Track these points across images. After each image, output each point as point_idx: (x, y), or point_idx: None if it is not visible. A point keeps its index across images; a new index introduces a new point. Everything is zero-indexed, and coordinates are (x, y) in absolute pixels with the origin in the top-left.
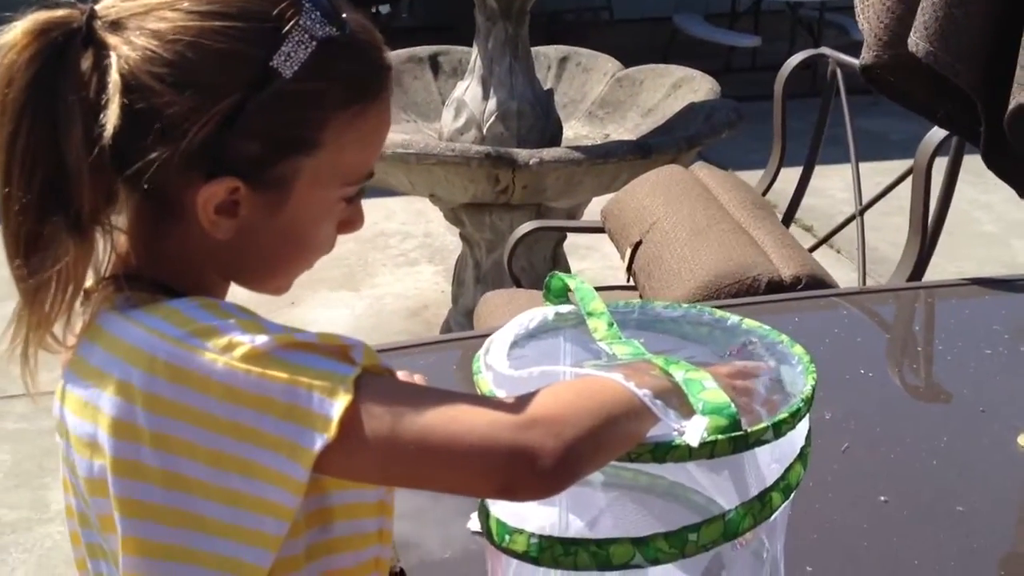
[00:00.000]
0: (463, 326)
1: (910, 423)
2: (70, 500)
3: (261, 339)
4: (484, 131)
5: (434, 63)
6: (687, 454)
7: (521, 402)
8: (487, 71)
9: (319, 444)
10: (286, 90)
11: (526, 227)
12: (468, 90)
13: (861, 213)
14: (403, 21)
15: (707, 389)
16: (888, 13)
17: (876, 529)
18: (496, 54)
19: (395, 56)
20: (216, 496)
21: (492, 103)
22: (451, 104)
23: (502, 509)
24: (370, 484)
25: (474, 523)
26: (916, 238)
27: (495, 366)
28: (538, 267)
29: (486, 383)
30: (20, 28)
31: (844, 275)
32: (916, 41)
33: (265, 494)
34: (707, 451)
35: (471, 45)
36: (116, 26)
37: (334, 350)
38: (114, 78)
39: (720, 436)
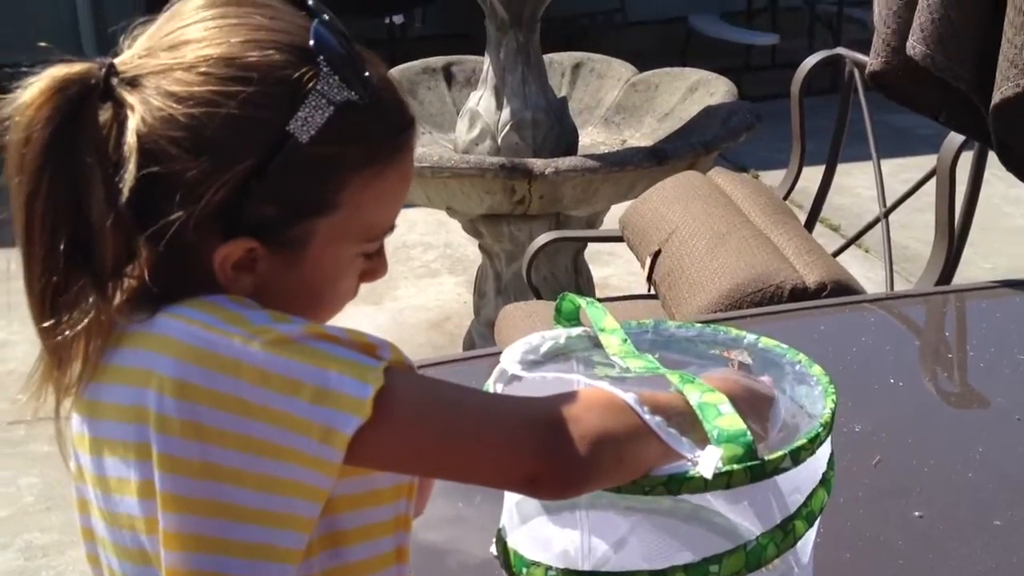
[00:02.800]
0: (485, 337)
1: (943, 434)
2: (97, 530)
3: (290, 327)
4: (499, 141)
5: (447, 73)
6: (702, 485)
7: (552, 401)
8: (500, 81)
9: (353, 426)
10: (302, 154)
11: (543, 239)
12: (482, 100)
13: (886, 215)
14: (417, 30)
15: (723, 415)
16: (894, 18)
17: (911, 546)
18: (508, 63)
19: (408, 67)
20: (248, 482)
21: (506, 113)
22: (465, 114)
23: (523, 536)
24: (396, 471)
25: (494, 547)
26: (943, 241)
27: (510, 371)
28: (560, 276)
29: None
30: (38, 86)
31: (873, 274)
32: (914, 44)
33: (297, 476)
34: (723, 482)
35: (484, 54)
36: (134, 84)
37: (361, 345)
38: (130, 140)
39: (736, 466)
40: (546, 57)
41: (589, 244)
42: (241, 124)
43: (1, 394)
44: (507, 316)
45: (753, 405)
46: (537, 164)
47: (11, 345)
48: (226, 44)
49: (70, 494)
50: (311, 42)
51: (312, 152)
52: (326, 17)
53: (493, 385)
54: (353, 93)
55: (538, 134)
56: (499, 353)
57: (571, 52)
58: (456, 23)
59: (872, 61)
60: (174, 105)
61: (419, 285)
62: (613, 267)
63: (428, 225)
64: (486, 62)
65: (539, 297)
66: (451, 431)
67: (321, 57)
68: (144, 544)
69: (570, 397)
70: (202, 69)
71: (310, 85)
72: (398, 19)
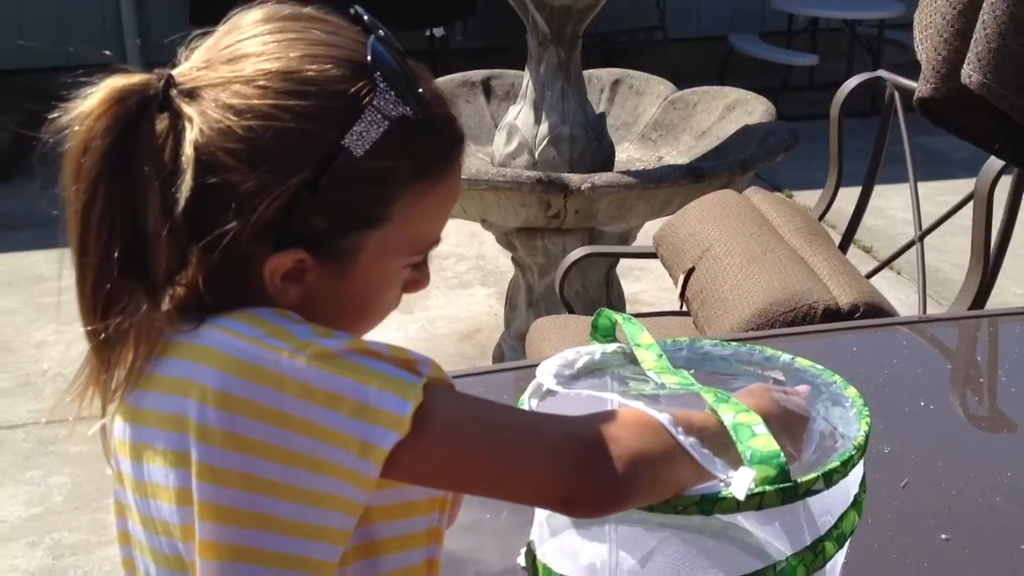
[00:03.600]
0: (515, 350)
1: (973, 457)
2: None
3: (333, 342)
4: (536, 155)
5: (487, 87)
6: (735, 506)
7: (589, 422)
8: (539, 96)
9: (391, 441)
10: (356, 168)
11: (577, 253)
12: (520, 114)
13: (921, 239)
14: (457, 43)
15: (756, 436)
16: (946, 45)
17: (937, 569)
18: (548, 79)
19: (448, 80)
20: (286, 494)
21: (544, 127)
22: (503, 128)
23: (552, 549)
24: (432, 487)
25: (523, 559)
26: (978, 265)
27: (546, 385)
28: (592, 291)
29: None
30: (97, 95)
31: (905, 296)
32: (969, 72)
33: (334, 490)
34: (755, 503)
35: (524, 68)
36: (192, 95)
37: (402, 362)
38: (188, 152)
39: (768, 487)
40: (585, 73)
41: (621, 259)
42: (298, 137)
43: (35, 394)
44: (539, 329)
45: (787, 425)
46: (573, 179)
47: (47, 346)
48: (285, 58)
49: (100, 495)
50: (368, 58)
51: (366, 166)
52: (382, 33)
53: (528, 399)
54: (408, 109)
55: (575, 149)
56: (529, 366)
57: (610, 68)
58: (496, 37)
59: (920, 88)
60: (232, 117)
61: (450, 296)
62: (644, 283)
63: (461, 236)
64: (526, 76)
65: (571, 311)
66: (489, 450)
67: (378, 73)
68: (180, 551)
69: (606, 418)
70: (261, 82)
71: (366, 100)
72: (439, 31)
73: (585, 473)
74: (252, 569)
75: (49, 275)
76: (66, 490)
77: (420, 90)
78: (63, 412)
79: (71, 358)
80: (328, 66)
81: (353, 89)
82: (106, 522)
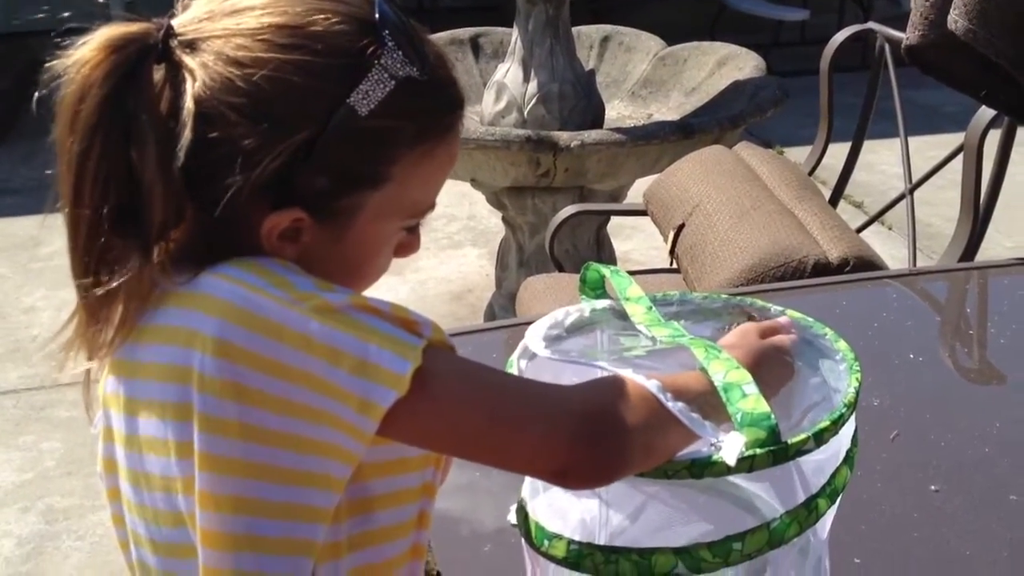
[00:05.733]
0: (507, 310)
1: (962, 409)
2: (125, 491)
3: (335, 296)
4: (525, 114)
5: (475, 45)
6: (725, 470)
7: (586, 392)
8: (528, 53)
9: (390, 400)
10: (360, 127)
11: (567, 211)
12: (509, 72)
13: (911, 192)
14: (446, 2)
15: (746, 396)
16: None
17: (926, 520)
18: (537, 36)
19: (436, 38)
20: (284, 443)
21: (533, 85)
22: (492, 87)
23: (542, 505)
24: (427, 449)
25: (513, 516)
26: (968, 217)
27: (534, 350)
28: (582, 250)
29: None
30: (94, 43)
31: (896, 251)
32: (955, 19)
33: (333, 439)
34: (746, 465)
35: (513, 25)
36: (193, 47)
37: (403, 321)
38: (188, 105)
39: (759, 450)
40: (574, 30)
41: (611, 218)
42: (303, 93)
43: (25, 359)
44: (529, 288)
45: (775, 374)
46: (563, 137)
47: (36, 311)
48: (291, 12)
49: (92, 459)
50: (376, 15)
51: (369, 125)
52: None
53: (517, 361)
54: (414, 69)
55: (564, 107)
56: (520, 324)
57: (600, 25)
58: None
59: (909, 35)
60: (235, 71)
61: (441, 257)
62: (635, 241)
63: (451, 197)
64: (514, 34)
65: (561, 270)
66: (486, 417)
67: (386, 31)
68: (179, 505)
69: (600, 389)
70: (265, 36)
71: (373, 59)
72: None
73: (580, 447)
74: (253, 520)
75: (37, 240)
76: (58, 455)
77: (425, 52)
78: (50, 370)
79: (61, 323)
80: (334, 21)
81: (359, 46)
82: (99, 487)
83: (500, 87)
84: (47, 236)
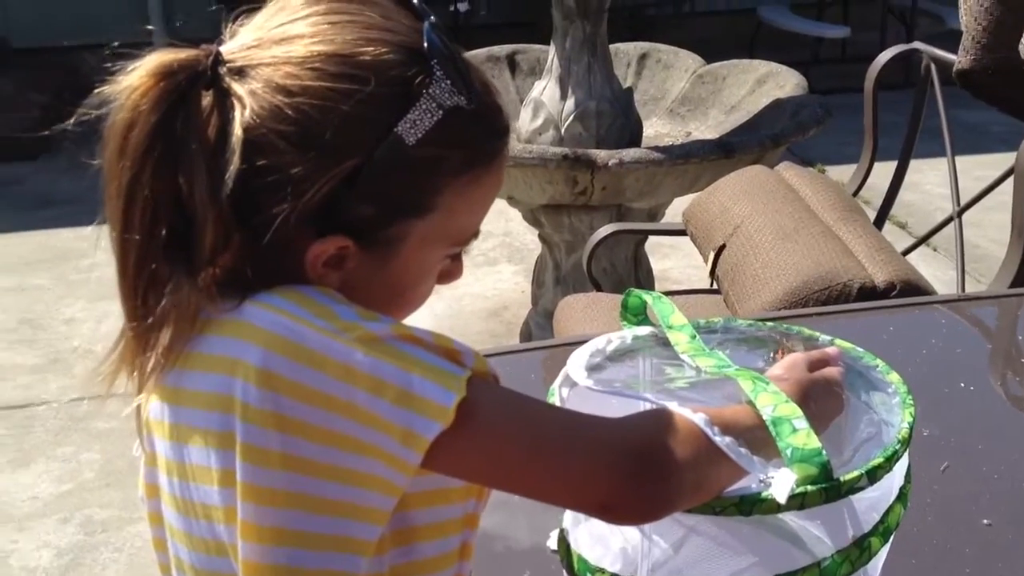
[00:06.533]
0: (543, 328)
1: (1015, 440)
2: (166, 516)
3: (378, 326)
4: (562, 131)
5: (512, 62)
6: (775, 507)
7: (632, 426)
8: (565, 70)
9: (435, 431)
10: (407, 156)
11: (605, 230)
12: (546, 90)
13: (959, 215)
14: (482, 18)
15: (797, 431)
16: (986, 15)
17: (979, 554)
18: (574, 53)
19: (472, 56)
20: (327, 474)
21: (570, 103)
22: (529, 104)
23: (583, 534)
24: (470, 481)
25: (553, 542)
26: (1019, 243)
27: (576, 379)
28: (619, 268)
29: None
30: (144, 69)
31: (942, 273)
32: None
33: (375, 471)
34: (797, 503)
35: (550, 42)
36: (242, 74)
37: (446, 351)
38: (237, 132)
39: (810, 487)
40: (612, 47)
41: (649, 237)
42: (351, 122)
43: (66, 370)
44: (566, 307)
45: (824, 407)
46: (600, 155)
47: (77, 323)
48: (339, 41)
49: (131, 471)
50: (424, 44)
51: (416, 154)
52: (434, 20)
53: (559, 389)
54: (462, 99)
55: (602, 125)
56: (557, 345)
57: (637, 42)
58: (521, 11)
59: (960, 59)
60: (284, 99)
61: (477, 274)
62: (673, 260)
63: (488, 213)
64: (551, 51)
65: (598, 288)
66: (530, 450)
67: (435, 61)
68: (221, 534)
69: (647, 424)
70: (315, 64)
71: (421, 88)
72: (463, 6)
73: (627, 483)
74: (294, 551)
75: (78, 252)
76: (97, 466)
77: (473, 82)
78: (91, 389)
79: (101, 334)
80: (383, 50)
81: (408, 76)
82: (137, 499)
83: (537, 104)
84: (88, 248)
